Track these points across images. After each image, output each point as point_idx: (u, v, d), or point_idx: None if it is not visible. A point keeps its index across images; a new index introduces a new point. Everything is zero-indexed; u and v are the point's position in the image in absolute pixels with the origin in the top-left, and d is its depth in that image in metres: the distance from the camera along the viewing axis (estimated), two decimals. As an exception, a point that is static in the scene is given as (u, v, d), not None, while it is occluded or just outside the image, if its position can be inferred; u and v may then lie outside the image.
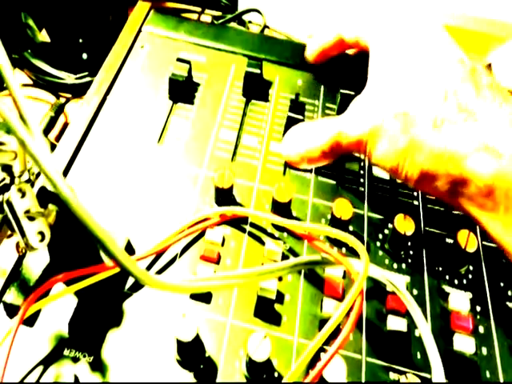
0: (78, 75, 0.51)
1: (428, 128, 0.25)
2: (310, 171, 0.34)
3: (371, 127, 0.27)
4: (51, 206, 0.26)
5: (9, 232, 0.31)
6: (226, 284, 0.22)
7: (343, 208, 0.31)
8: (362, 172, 0.35)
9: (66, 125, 0.49)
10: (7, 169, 0.24)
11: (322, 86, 0.40)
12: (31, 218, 0.24)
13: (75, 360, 0.25)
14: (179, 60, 0.39)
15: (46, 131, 0.45)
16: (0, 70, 0.14)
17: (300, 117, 0.35)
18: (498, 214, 0.23)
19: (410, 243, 0.31)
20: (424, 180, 0.26)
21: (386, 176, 0.35)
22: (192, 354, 0.25)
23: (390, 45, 0.28)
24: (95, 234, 0.17)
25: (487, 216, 0.24)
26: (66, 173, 0.33)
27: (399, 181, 0.35)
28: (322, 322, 0.27)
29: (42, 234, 0.24)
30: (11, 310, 0.26)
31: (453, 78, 0.25)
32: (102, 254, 0.28)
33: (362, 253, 0.24)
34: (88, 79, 0.50)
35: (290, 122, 0.35)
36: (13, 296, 0.26)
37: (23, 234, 0.24)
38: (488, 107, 0.24)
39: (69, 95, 0.51)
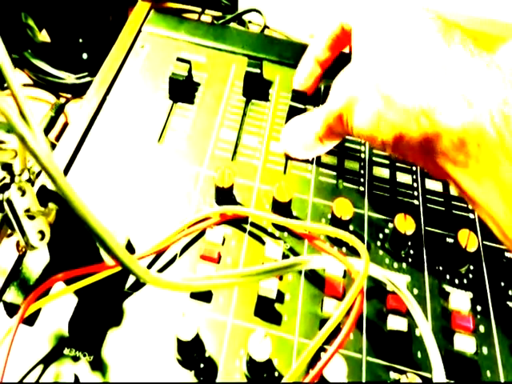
0: (78, 75, 0.51)
1: (399, 86, 0.25)
2: (311, 171, 0.34)
3: (348, 98, 0.28)
4: (51, 205, 0.26)
5: (9, 231, 0.31)
6: (227, 283, 0.22)
7: (343, 208, 0.31)
8: (362, 172, 0.35)
9: (66, 125, 0.49)
10: (7, 167, 0.24)
11: (322, 86, 0.40)
12: (31, 217, 0.24)
13: (75, 359, 0.25)
14: (179, 60, 0.39)
15: (47, 131, 0.45)
16: (1, 67, 0.14)
17: (301, 106, 0.36)
18: (469, 167, 0.23)
19: (410, 243, 0.31)
20: (399, 142, 0.25)
21: (387, 175, 0.35)
22: (192, 353, 0.25)
23: (369, 24, 0.29)
24: (96, 232, 0.17)
25: (460, 171, 0.23)
26: (66, 172, 0.33)
27: (399, 180, 0.35)
28: (323, 321, 0.27)
29: (42, 232, 0.24)
30: (11, 309, 0.26)
31: (423, 34, 0.25)
32: (103, 252, 0.28)
33: (362, 252, 0.24)
34: (88, 79, 0.50)
35: (292, 112, 0.36)
36: (13, 295, 0.26)
37: (23, 233, 0.24)
38: (458, 59, 0.24)
39: (69, 95, 0.50)
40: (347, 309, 0.23)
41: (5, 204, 0.24)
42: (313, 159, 0.35)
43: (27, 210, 0.24)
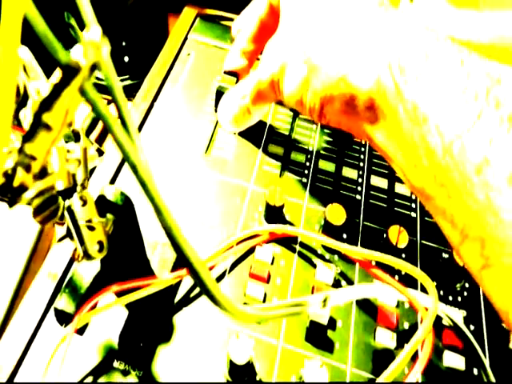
0: (119, 78, 0.51)
1: (320, 52, 0.26)
2: (360, 194, 0.34)
3: (279, 65, 0.28)
4: (109, 216, 0.25)
5: (59, 236, 0.31)
6: (294, 311, 0.21)
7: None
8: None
9: (105, 127, 0.48)
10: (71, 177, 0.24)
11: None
12: (91, 228, 0.24)
13: (125, 373, 0.25)
14: (227, 73, 0.38)
15: (88, 132, 0.45)
16: (107, 77, 0.13)
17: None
18: (379, 124, 0.24)
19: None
20: (324, 107, 0.26)
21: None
22: (244, 376, 0.25)
23: None
24: (187, 257, 0.16)
25: (373, 128, 0.24)
26: (113, 181, 0.33)
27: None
28: (376, 352, 0.27)
29: (100, 243, 0.24)
30: (61, 317, 0.26)
31: (345, 3, 0.26)
32: (154, 266, 0.28)
33: (430, 288, 0.23)
34: (129, 82, 0.50)
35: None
36: (64, 303, 0.26)
37: (82, 243, 0.23)
38: (373, 23, 0.24)
39: (110, 97, 0.50)
40: (413, 352, 0.22)
41: (65, 212, 0.23)
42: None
43: (88, 221, 0.23)
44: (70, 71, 0.11)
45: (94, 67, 0.11)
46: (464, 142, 0.20)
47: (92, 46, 0.11)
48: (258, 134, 0.37)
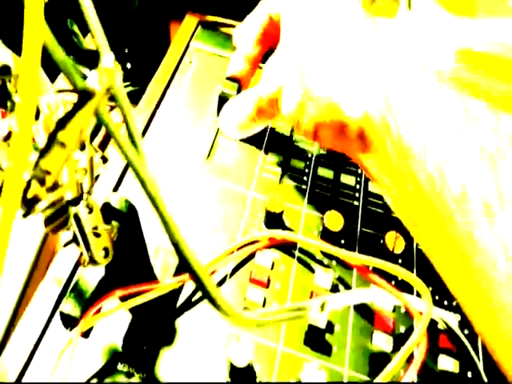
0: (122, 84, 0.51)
1: (315, 79, 0.26)
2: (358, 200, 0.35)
3: (278, 85, 0.29)
4: (114, 223, 0.26)
5: (64, 242, 0.31)
6: (295, 315, 0.22)
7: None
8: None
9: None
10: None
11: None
12: (97, 235, 0.24)
13: (129, 375, 0.26)
14: (229, 79, 0.39)
15: (91, 138, 0.45)
16: (116, 94, 0.14)
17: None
18: (370, 153, 0.25)
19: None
20: (318, 131, 0.27)
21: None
22: (244, 378, 0.26)
23: (297, 12, 0.30)
24: (189, 262, 0.17)
25: (364, 156, 0.25)
26: (117, 187, 0.34)
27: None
28: (373, 355, 0.27)
29: (106, 249, 0.25)
30: (67, 320, 0.26)
31: (344, 28, 0.27)
32: (157, 271, 0.29)
33: (423, 293, 0.24)
34: (131, 88, 0.51)
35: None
36: (69, 307, 0.26)
37: (88, 249, 0.24)
38: (365, 55, 0.25)
39: (112, 103, 0.51)
40: (408, 354, 0.23)
41: (72, 220, 0.24)
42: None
43: (94, 228, 0.24)
44: (86, 95, 0.12)
45: (108, 92, 0.12)
46: (444, 172, 0.21)
47: (106, 72, 0.12)
48: (258, 141, 0.37)
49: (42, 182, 0.14)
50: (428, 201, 0.21)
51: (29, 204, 0.16)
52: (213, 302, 0.16)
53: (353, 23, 0.27)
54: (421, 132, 0.22)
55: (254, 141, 0.37)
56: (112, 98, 0.15)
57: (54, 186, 0.16)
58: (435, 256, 0.23)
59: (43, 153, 0.13)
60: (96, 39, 0.13)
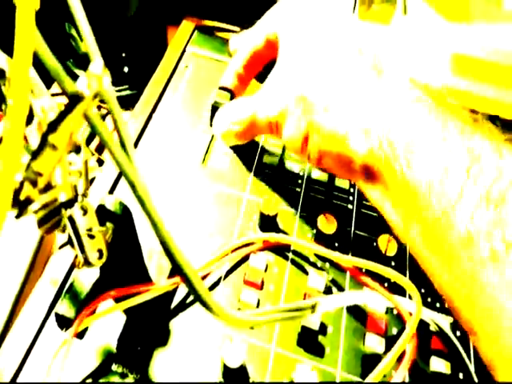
0: (119, 88, 0.52)
1: (322, 112, 0.27)
2: (352, 203, 0.35)
3: (279, 111, 0.29)
4: (109, 224, 0.26)
5: (60, 243, 0.32)
6: (289, 316, 0.22)
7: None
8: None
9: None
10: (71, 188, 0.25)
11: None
12: (91, 236, 0.25)
13: (123, 376, 0.26)
14: (222, 88, 0.39)
15: (88, 141, 0.46)
16: (109, 101, 0.15)
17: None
18: (374, 186, 0.25)
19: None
20: (322, 159, 0.28)
21: None
22: (237, 379, 0.26)
23: (297, 30, 0.30)
24: (180, 266, 0.17)
25: (368, 188, 0.26)
26: (112, 190, 0.34)
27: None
28: (365, 357, 0.28)
29: (100, 251, 0.25)
30: (62, 321, 0.27)
31: (346, 66, 0.27)
32: (152, 272, 0.29)
33: (413, 294, 0.24)
34: (128, 92, 0.51)
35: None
36: (64, 308, 0.27)
37: (83, 251, 0.24)
38: (370, 91, 0.26)
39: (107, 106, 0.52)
40: (399, 354, 0.23)
41: (67, 221, 0.24)
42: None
43: (89, 229, 0.24)
44: (75, 99, 0.12)
45: (96, 96, 0.12)
46: (450, 216, 0.21)
47: (95, 77, 0.12)
48: (253, 146, 0.38)
49: (34, 184, 0.15)
50: (434, 240, 0.22)
51: (21, 205, 0.16)
52: (203, 302, 0.17)
53: (352, 50, 0.27)
54: (425, 176, 0.22)
55: (250, 146, 0.37)
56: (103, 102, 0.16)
57: (47, 188, 0.17)
58: (437, 282, 0.23)
59: (35, 155, 0.14)
60: (86, 44, 0.13)
